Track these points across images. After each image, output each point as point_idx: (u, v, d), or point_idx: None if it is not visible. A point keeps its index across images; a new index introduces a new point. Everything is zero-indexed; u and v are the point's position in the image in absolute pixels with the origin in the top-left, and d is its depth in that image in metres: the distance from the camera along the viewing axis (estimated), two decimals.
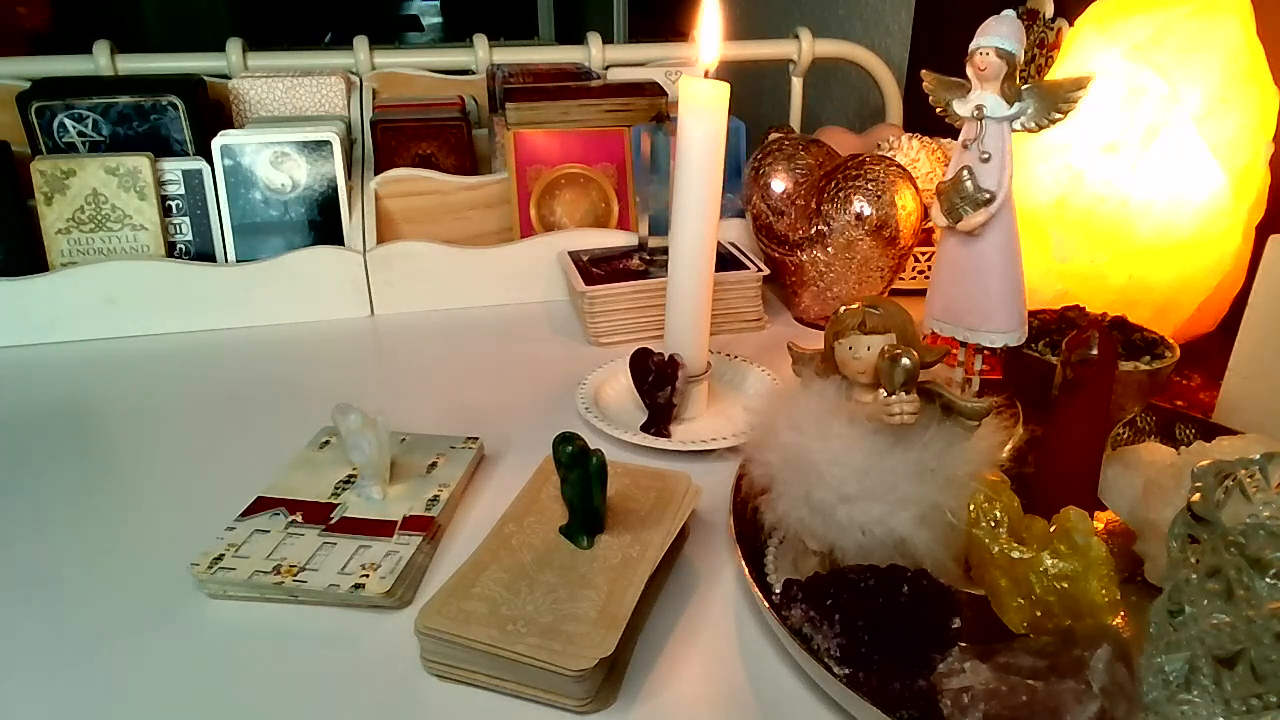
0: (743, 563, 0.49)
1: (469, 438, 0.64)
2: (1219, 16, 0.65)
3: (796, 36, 1.15)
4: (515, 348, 0.82)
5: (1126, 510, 0.51)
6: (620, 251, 0.89)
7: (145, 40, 3.30)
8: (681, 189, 0.62)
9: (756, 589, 0.46)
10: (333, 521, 0.55)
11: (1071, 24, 0.74)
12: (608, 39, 1.12)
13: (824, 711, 0.43)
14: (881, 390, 0.45)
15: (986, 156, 0.50)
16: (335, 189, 0.88)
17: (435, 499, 0.57)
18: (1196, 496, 0.37)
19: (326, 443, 0.63)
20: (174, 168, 0.85)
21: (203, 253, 0.87)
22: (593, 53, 1.10)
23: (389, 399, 0.73)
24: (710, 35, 0.61)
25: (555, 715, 0.43)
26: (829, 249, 0.80)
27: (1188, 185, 0.66)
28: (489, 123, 1.06)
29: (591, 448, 0.49)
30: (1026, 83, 0.49)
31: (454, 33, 4.30)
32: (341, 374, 0.78)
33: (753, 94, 1.69)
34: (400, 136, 0.96)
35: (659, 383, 0.66)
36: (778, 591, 0.48)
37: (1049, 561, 0.42)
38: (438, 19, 4.52)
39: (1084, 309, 0.58)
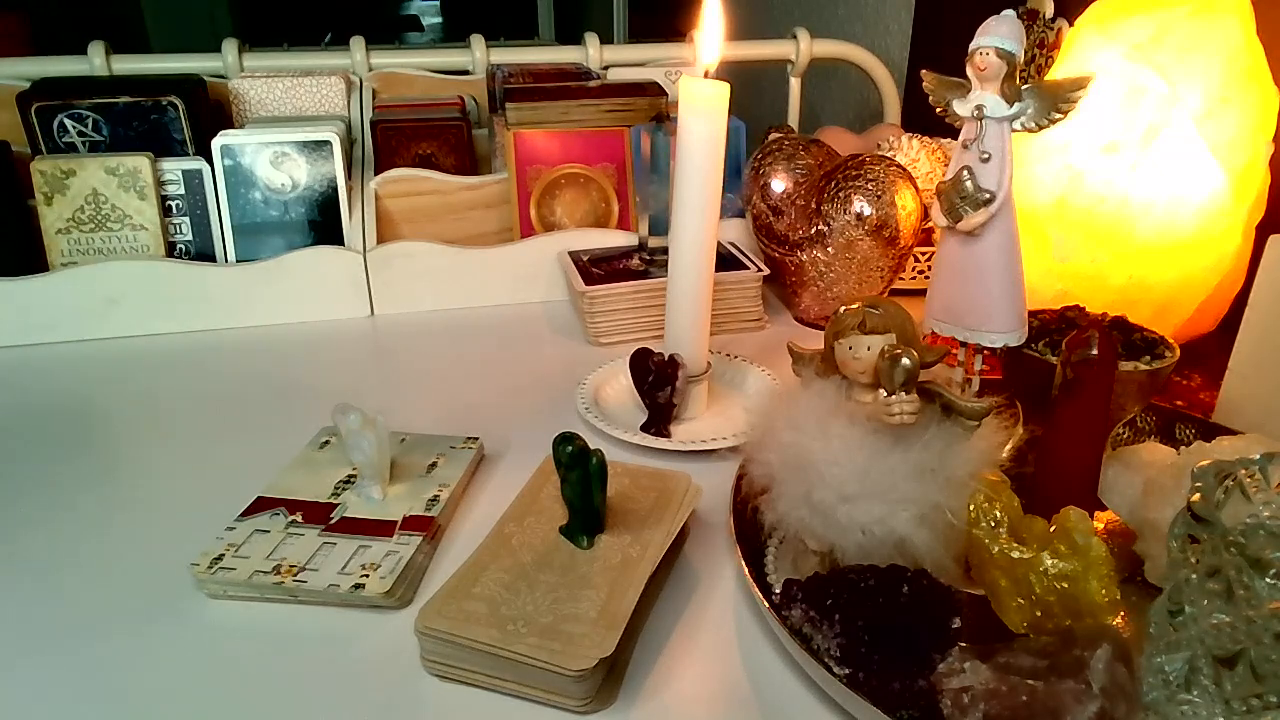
0: (743, 563, 0.49)
1: (469, 438, 0.64)
2: (1219, 16, 0.65)
3: (794, 37, 1.15)
4: (515, 348, 0.82)
5: (1126, 510, 0.51)
6: (620, 251, 0.89)
7: (144, 41, 3.30)
8: (681, 189, 0.62)
9: (756, 589, 0.46)
10: (333, 521, 0.55)
11: (1071, 24, 0.74)
12: (607, 39, 1.12)
13: (824, 711, 0.43)
14: (881, 390, 0.45)
15: (986, 156, 0.50)
16: (335, 189, 0.88)
17: (435, 499, 0.57)
18: (1196, 496, 0.37)
19: (326, 443, 0.63)
20: (174, 168, 0.85)
21: (203, 253, 0.87)
22: (590, 53, 1.10)
23: (389, 399, 0.73)
24: (711, 35, 0.61)
25: (555, 715, 0.43)
26: (829, 249, 0.80)
27: (1188, 185, 0.66)
28: (489, 123, 1.06)
29: (591, 448, 0.49)
30: (1026, 83, 0.49)
31: (454, 33, 4.31)
32: (341, 374, 0.78)
33: (753, 94, 1.69)
34: (400, 136, 0.96)
35: (659, 383, 0.66)
36: (778, 591, 0.48)
37: (1049, 561, 0.42)
38: (438, 19, 4.53)
39: (1084, 309, 0.58)
